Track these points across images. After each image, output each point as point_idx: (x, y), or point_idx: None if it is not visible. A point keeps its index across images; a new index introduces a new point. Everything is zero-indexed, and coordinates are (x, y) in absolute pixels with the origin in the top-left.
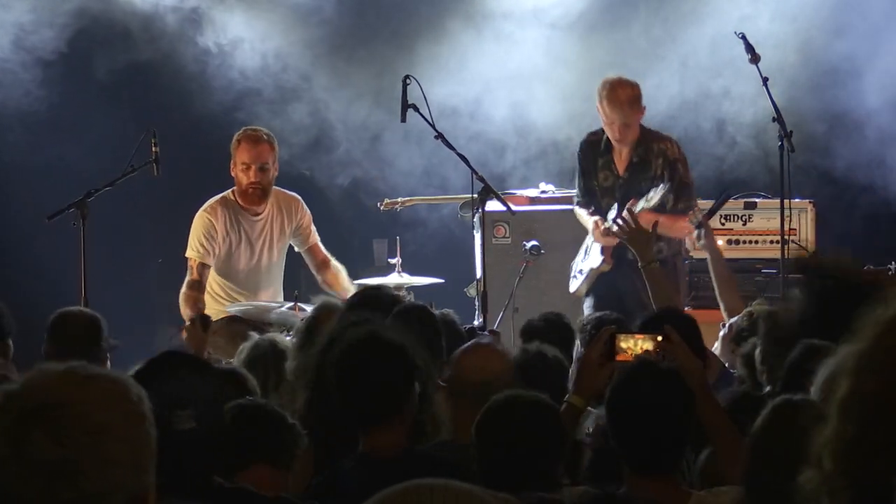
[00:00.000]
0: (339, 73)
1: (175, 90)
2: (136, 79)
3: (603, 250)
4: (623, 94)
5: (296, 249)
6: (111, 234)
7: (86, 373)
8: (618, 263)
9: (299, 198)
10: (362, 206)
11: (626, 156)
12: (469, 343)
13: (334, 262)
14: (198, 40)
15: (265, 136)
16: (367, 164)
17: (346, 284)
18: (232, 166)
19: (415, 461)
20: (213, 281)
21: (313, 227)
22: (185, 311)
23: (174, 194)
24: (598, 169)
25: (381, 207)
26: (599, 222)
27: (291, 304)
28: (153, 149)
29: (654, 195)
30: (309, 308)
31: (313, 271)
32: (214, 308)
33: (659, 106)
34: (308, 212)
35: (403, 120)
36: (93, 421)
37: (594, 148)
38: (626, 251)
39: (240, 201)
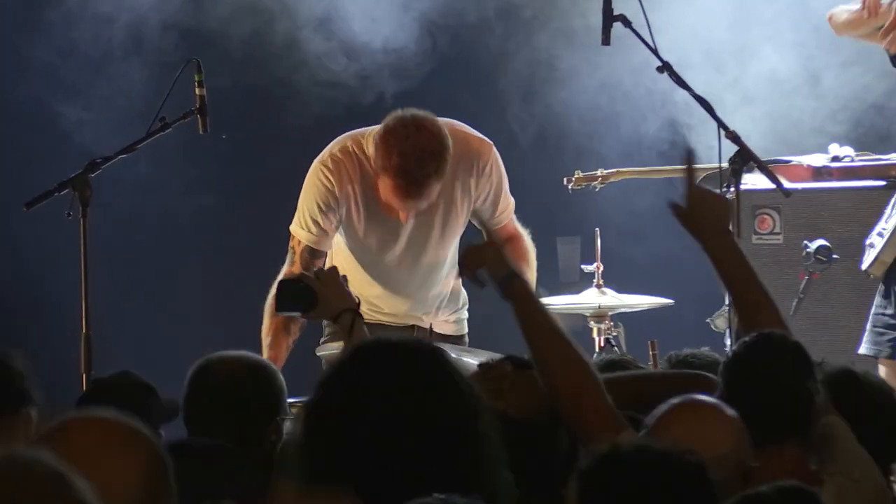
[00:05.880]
0: None
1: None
2: None
3: None
4: None
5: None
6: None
7: (23, 461)
8: None
9: (490, 143)
10: (540, 185)
11: None
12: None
13: (526, 239)
14: None
15: (433, 169)
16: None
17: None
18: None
19: None
20: None
21: (505, 189)
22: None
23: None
24: None
25: (571, 186)
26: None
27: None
28: (197, 91)
29: None
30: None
31: None
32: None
33: None
34: (502, 168)
35: (606, 41)
36: None
37: None
38: None
39: None
